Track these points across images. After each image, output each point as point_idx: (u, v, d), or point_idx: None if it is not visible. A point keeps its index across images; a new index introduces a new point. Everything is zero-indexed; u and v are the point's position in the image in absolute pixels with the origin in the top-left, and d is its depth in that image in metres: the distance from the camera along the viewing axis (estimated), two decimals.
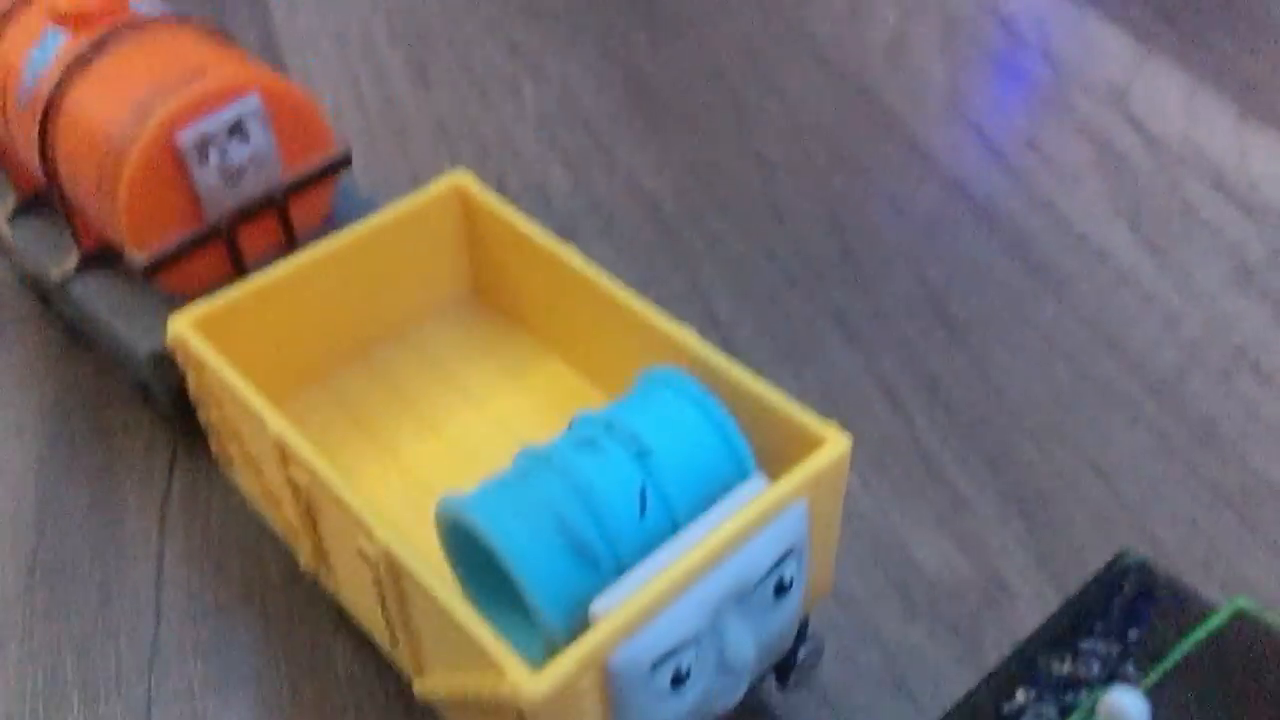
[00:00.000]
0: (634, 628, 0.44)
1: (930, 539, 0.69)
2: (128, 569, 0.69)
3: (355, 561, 0.51)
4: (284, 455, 0.52)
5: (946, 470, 0.73)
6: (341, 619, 0.63)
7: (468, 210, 0.68)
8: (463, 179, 0.68)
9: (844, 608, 0.65)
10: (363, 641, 0.64)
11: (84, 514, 0.72)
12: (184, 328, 0.57)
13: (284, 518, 0.58)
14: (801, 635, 0.56)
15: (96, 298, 0.71)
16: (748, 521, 0.46)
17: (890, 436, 0.75)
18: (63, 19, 0.71)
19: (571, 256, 0.62)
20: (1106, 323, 0.84)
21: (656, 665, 0.44)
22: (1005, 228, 0.91)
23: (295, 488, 0.52)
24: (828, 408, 0.75)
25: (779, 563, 0.47)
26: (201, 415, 0.62)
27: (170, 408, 0.70)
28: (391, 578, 0.48)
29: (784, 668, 0.56)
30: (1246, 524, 0.71)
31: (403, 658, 0.53)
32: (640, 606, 0.44)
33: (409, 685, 0.55)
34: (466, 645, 0.46)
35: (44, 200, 0.78)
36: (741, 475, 0.49)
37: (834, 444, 0.50)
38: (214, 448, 0.64)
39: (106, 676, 0.64)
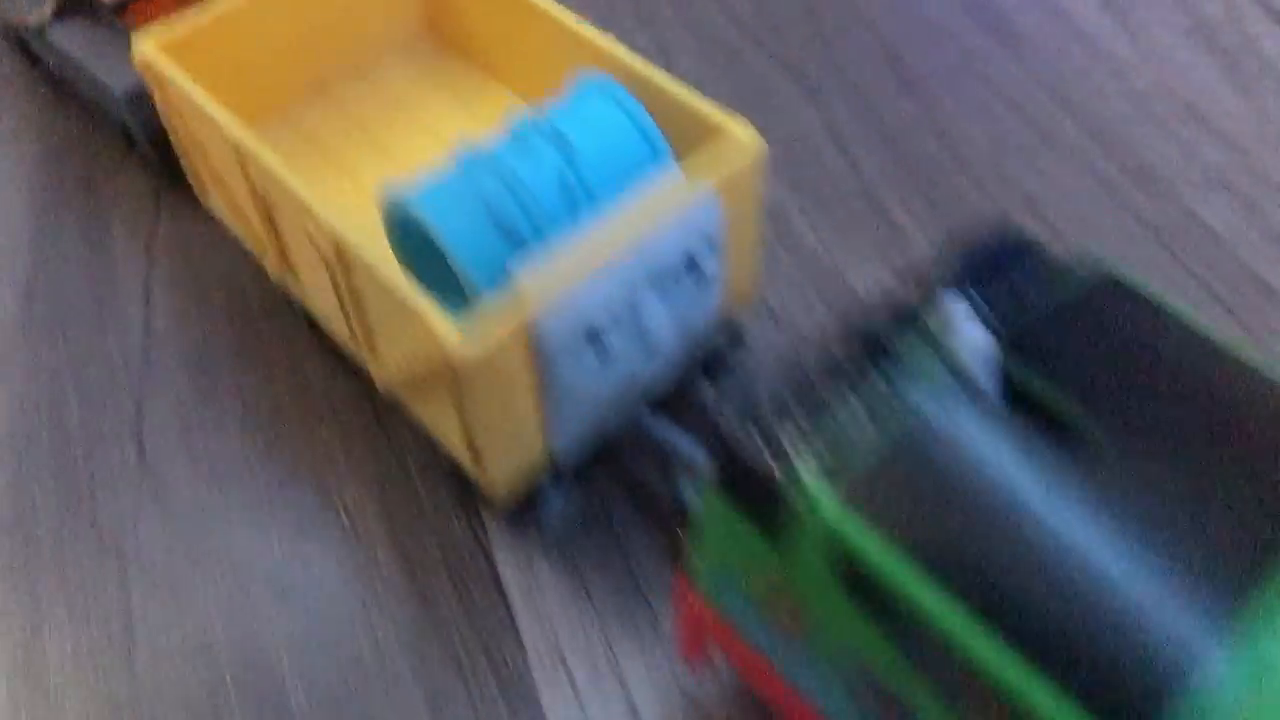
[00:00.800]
0: (556, 294, 0.48)
1: (868, 268, 0.73)
2: (118, 297, 0.74)
3: (313, 257, 0.56)
4: (241, 158, 0.56)
5: (889, 209, 0.77)
6: (313, 332, 0.69)
7: None
8: None
9: (778, 324, 0.70)
10: (337, 363, 0.69)
11: (76, 247, 0.77)
12: (150, 49, 0.60)
13: (252, 230, 0.63)
14: (738, 339, 0.61)
15: (74, 42, 0.74)
16: (661, 205, 0.50)
17: (838, 178, 0.79)
18: None
19: None
20: (1059, 77, 0.86)
21: (580, 333, 0.49)
22: None
23: (254, 191, 0.57)
24: (780, 152, 0.79)
25: (693, 247, 0.51)
26: (174, 141, 0.66)
27: (149, 147, 0.74)
28: (341, 263, 0.53)
29: (711, 364, 0.61)
30: (1177, 260, 0.75)
31: (361, 349, 0.59)
32: (562, 274, 0.48)
33: (379, 395, 0.61)
34: (408, 318, 0.50)
35: None
36: (658, 166, 0.53)
37: (745, 138, 0.54)
38: (189, 177, 0.68)
39: (102, 389, 0.70)
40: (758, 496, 0.41)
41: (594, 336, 0.50)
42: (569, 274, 0.49)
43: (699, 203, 0.51)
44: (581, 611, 0.57)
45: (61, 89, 0.86)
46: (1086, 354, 0.42)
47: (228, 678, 0.57)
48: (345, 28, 0.69)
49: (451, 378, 0.49)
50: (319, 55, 0.70)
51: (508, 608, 0.58)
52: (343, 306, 0.56)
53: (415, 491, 0.63)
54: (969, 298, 0.44)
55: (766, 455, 0.40)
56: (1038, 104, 0.84)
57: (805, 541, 0.40)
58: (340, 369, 0.70)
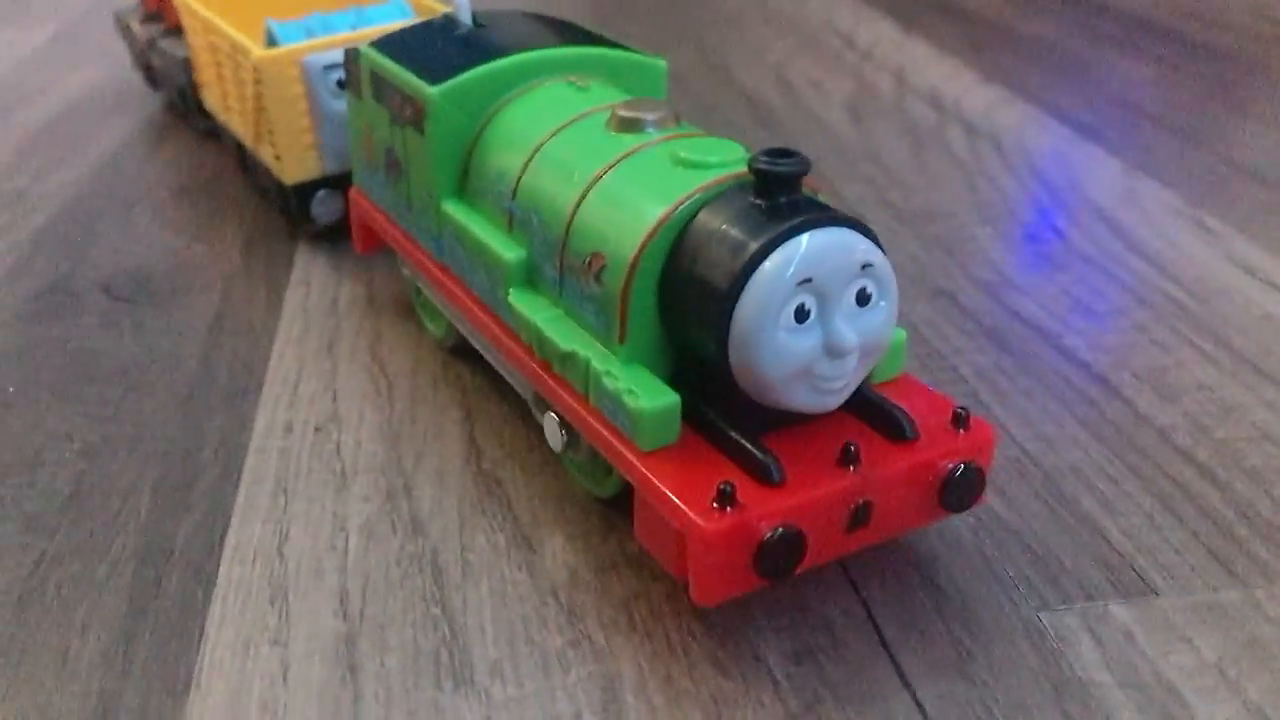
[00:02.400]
0: (319, 52, 0.93)
1: None
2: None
3: (231, 87, 1.03)
4: (205, 32, 1.05)
5: None
6: (244, 168, 1.14)
7: None
8: None
9: None
10: (254, 186, 1.14)
11: None
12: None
13: (212, 91, 1.10)
14: None
15: (165, 41, 1.28)
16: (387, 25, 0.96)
17: None
18: None
19: None
20: None
21: (327, 67, 0.93)
22: None
23: (207, 47, 1.05)
24: None
25: None
26: (192, 63, 1.16)
27: (193, 104, 1.24)
28: (229, 55, 0.99)
29: None
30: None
31: (241, 126, 1.03)
32: (327, 43, 0.93)
33: (256, 175, 1.05)
34: (239, 54, 0.96)
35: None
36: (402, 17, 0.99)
37: None
38: (199, 88, 1.18)
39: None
40: (351, 76, 0.83)
41: (336, 75, 0.94)
42: (329, 44, 0.94)
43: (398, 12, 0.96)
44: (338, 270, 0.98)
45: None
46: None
47: None
48: None
49: (256, 80, 0.93)
50: None
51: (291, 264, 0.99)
52: (230, 96, 1.02)
53: (266, 218, 1.06)
54: None
55: (354, 56, 0.82)
56: None
57: (363, 80, 0.81)
58: (244, 168, 1.15)
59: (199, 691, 0.57)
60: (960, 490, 0.59)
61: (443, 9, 1.03)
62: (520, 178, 0.68)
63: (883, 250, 0.57)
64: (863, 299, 0.56)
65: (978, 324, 0.90)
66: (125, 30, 1.39)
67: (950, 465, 0.59)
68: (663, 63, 0.78)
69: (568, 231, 0.64)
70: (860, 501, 0.57)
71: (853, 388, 0.59)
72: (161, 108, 1.40)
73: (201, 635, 0.60)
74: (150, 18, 1.32)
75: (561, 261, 0.64)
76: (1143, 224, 1.08)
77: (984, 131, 1.32)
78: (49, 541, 0.68)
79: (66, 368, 0.86)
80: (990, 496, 0.70)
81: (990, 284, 0.97)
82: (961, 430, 0.60)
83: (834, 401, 0.58)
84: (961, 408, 0.61)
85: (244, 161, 1.12)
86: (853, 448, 0.57)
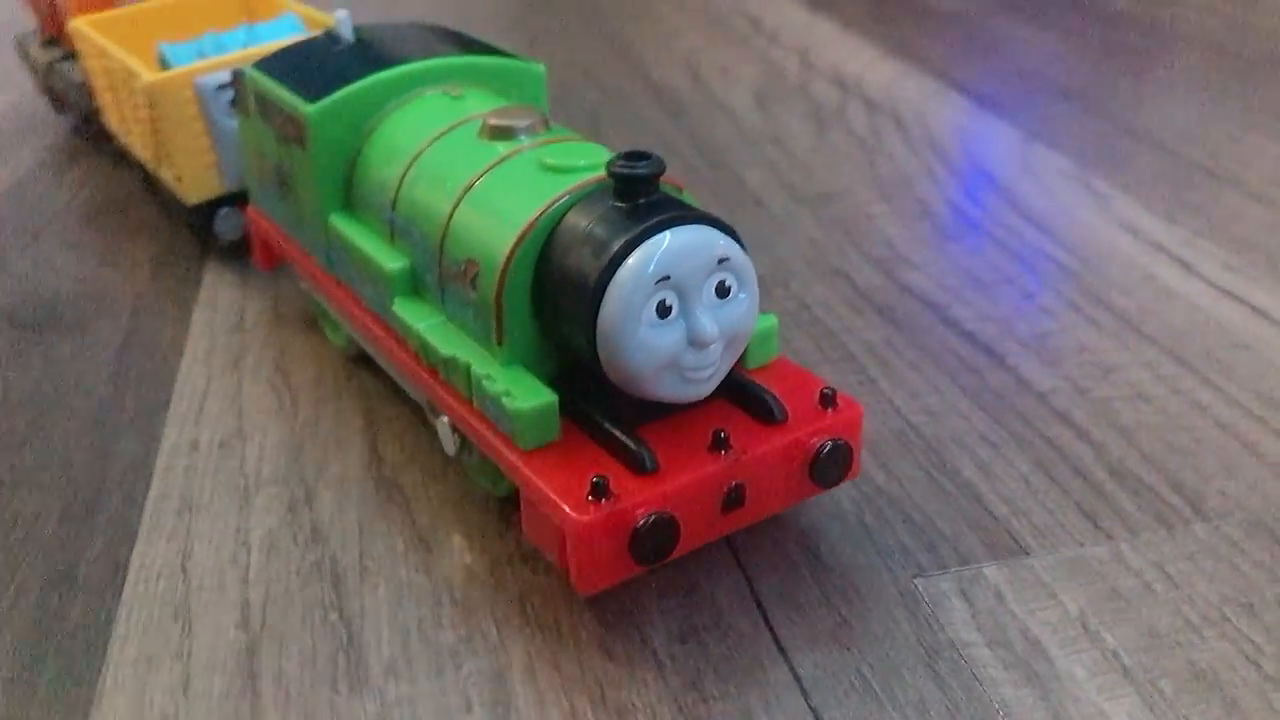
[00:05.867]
0: (212, 71, 0.94)
1: None
2: None
3: (129, 111, 1.03)
4: (100, 58, 1.05)
5: None
6: (149, 190, 1.15)
7: None
8: None
9: None
10: (143, 181, 1.15)
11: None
12: (79, 24, 1.12)
13: (110, 113, 1.11)
14: None
15: (65, 65, 1.28)
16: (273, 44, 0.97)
17: None
18: None
19: None
20: None
21: (220, 87, 0.94)
22: None
23: (103, 71, 1.06)
24: None
25: None
26: (92, 86, 1.16)
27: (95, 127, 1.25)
28: (123, 80, 1.00)
29: None
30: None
31: (139, 147, 1.04)
32: (217, 64, 0.94)
33: (158, 191, 1.06)
34: (129, 79, 0.96)
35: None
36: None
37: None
38: (100, 111, 1.18)
39: None
40: (239, 95, 0.84)
41: (229, 95, 0.95)
42: (224, 65, 0.95)
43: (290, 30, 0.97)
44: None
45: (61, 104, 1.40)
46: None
47: None
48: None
49: (150, 104, 0.94)
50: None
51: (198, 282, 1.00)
52: (129, 119, 1.03)
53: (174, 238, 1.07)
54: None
55: (240, 76, 0.83)
56: None
57: (250, 100, 0.82)
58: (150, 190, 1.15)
59: (99, 711, 0.58)
60: (829, 467, 0.62)
61: (326, 19, 1.04)
62: (398, 189, 0.70)
63: (741, 244, 0.59)
64: (722, 291, 0.59)
65: (868, 301, 0.92)
66: (25, 55, 1.38)
67: (818, 443, 0.61)
68: (540, 67, 0.80)
69: (443, 240, 0.65)
70: (733, 484, 0.59)
71: (721, 376, 0.61)
72: (68, 131, 1.40)
73: (104, 656, 0.62)
74: (50, 42, 1.32)
75: (440, 269, 0.66)
76: (1036, 192, 1.11)
77: (885, 108, 1.35)
78: None
79: None
80: (873, 470, 0.72)
81: (884, 260, 0.99)
82: (829, 409, 0.63)
83: (703, 390, 0.60)
84: (828, 388, 0.63)
85: (149, 182, 1.12)
86: (723, 434, 0.59)
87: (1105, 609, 0.61)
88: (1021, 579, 0.64)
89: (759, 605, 0.63)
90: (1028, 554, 0.65)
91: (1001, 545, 0.66)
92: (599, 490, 0.56)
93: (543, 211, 0.61)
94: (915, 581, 0.64)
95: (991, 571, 0.64)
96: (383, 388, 0.84)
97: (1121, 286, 0.93)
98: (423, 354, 0.67)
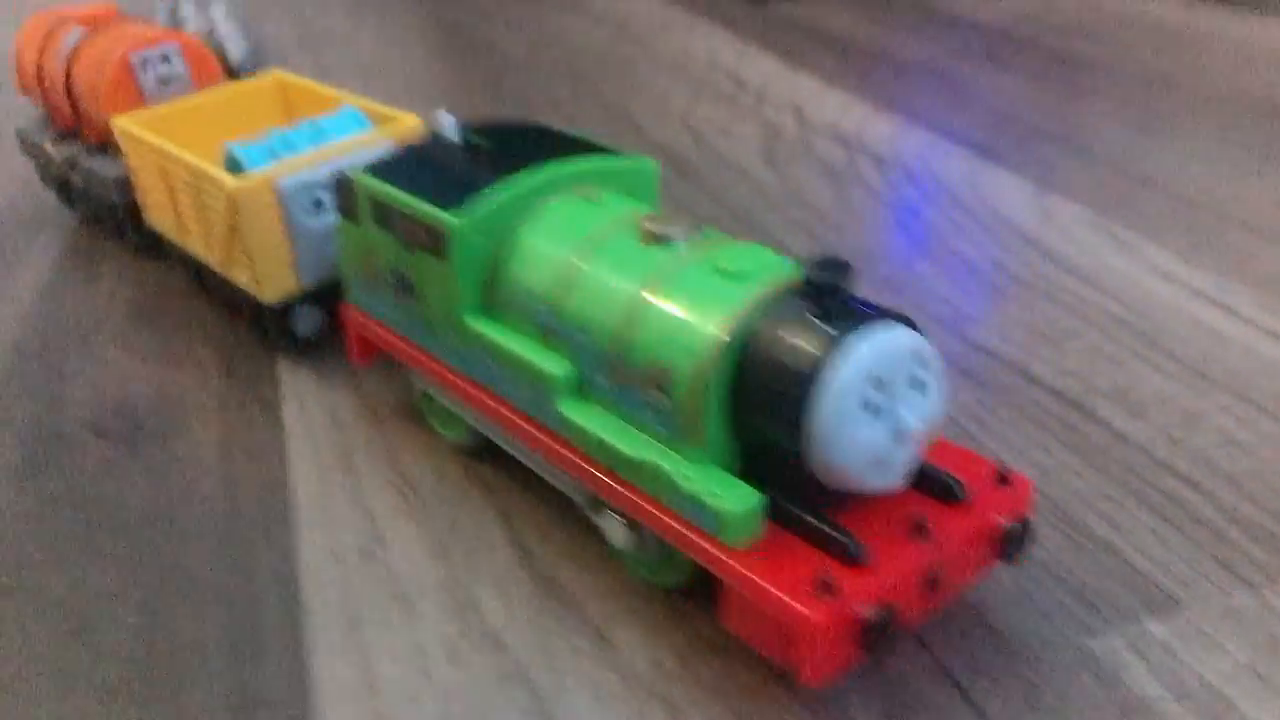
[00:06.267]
0: (291, 173, 0.94)
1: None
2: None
3: (191, 211, 1.02)
4: (157, 158, 1.05)
5: None
6: (201, 287, 1.14)
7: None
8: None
9: None
10: (200, 285, 1.14)
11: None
12: (124, 123, 1.11)
13: (164, 215, 1.10)
14: None
15: (89, 160, 1.26)
16: (359, 143, 0.97)
17: None
18: (79, 20, 1.29)
19: None
20: None
21: (305, 193, 0.94)
22: None
23: (160, 170, 1.05)
24: None
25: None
26: (134, 184, 1.15)
27: (125, 214, 1.23)
28: (192, 184, 0.99)
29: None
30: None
31: (209, 254, 1.04)
32: (296, 165, 0.95)
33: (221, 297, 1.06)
34: (209, 184, 0.96)
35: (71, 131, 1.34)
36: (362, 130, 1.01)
37: (409, 120, 1.01)
38: (142, 209, 1.16)
39: None
40: (346, 201, 0.85)
41: (317, 201, 0.95)
42: (301, 165, 0.95)
43: (378, 143, 0.98)
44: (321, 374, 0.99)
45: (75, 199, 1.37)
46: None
47: None
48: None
49: (232, 208, 0.94)
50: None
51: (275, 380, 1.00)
52: (187, 218, 1.02)
53: (242, 336, 1.06)
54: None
55: (347, 177, 0.84)
56: None
57: (361, 206, 0.83)
58: (203, 287, 1.15)
59: None
60: (1018, 544, 0.65)
61: (390, 113, 1.05)
62: (556, 295, 0.72)
63: (924, 336, 0.63)
64: (916, 384, 0.62)
65: (950, 363, 0.97)
66: (33, 149, 1.36)
67: (1005, 522, 0.65)
68: (653, 164, 0.83)
69: (622, 346, 0.68)
70: (936, 569, 0.63)
71: (916, 465, 0.64)
72: (79, 223, 1.38)
73: None
74: (65, 136, 1.29)
75: (616, 374, 0.68)
76: (1063, 241, 1.17)
77: (893, 163, 1.41)
78: (132, 706, 0.68)
79: (84, 521, 0.85)
80: None
81: (949, 320, 1.04)
82: (1005, 486, 0.67)
83: (902, 481, 0.63)
84: (1000, 463, 0.67)
85: (202, 280, 1.11)
86: (924, 522, 0.63)
87: (1272, 657, 0.66)
88: (1184, 632, 0.68)
89: (949, 677, 0.66)
90: (1180, 605, 0.70)
91: (1154, 599, 0.71)
92: (826, 587, 0.59)
93: (736, 318, 0.63)
94: (1087, 642, 0.68)
95: (1154, 626, 0.69)
96: (505, 480, 0.85)
97: (1174, 334, 0.99)
98: (599, 454, 0.69)
